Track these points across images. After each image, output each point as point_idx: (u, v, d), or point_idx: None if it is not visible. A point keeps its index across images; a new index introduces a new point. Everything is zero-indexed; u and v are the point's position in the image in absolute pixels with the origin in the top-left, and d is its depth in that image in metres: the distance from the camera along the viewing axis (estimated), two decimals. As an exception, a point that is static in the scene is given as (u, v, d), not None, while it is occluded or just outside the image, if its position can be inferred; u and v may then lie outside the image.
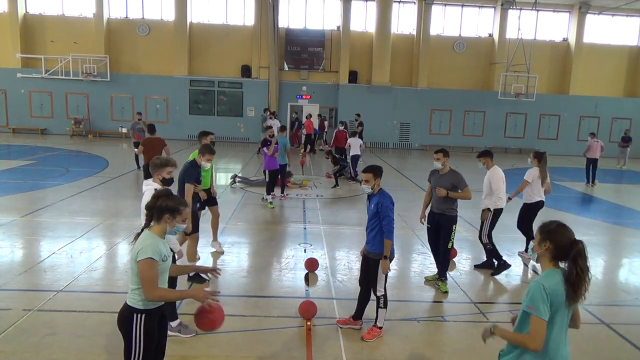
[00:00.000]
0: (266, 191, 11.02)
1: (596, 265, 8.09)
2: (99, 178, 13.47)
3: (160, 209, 3.23)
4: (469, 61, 26.36)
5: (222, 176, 14.94)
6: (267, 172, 10.98)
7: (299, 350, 4.77)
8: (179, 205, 3.28)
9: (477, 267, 7.45)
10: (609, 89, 26.93)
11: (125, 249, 7.70)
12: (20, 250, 7.45)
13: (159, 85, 24.94)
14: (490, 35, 26.51)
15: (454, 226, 6.35)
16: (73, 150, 19.53)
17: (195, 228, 6.27)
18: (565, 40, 26.71)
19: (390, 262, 5.04)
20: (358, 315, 5.31)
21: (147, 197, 4.69)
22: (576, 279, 2.75)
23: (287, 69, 25.85)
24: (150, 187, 4.73)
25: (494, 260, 7.23)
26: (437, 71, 26.07)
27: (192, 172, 6.09)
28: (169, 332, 4.93)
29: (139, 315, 3.20)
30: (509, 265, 7.23)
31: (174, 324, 4.93)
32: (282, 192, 11.85)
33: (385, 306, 5.08)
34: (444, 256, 6.49)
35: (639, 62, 26.91)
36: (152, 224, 3.28)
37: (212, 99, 25.38)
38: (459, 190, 6.24)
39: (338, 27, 25.70)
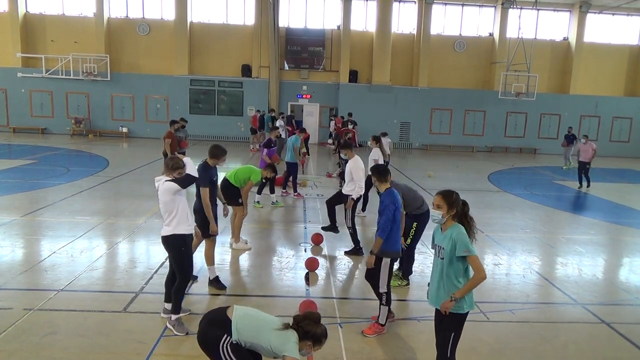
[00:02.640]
0: (270, 191, 11.03)
1: (596, 264, 8.09)
2: (99, 177, 13.47)
3: (306, 334, 3.30)
4: (469, 60, 26.35)
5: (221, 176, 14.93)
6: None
7: (300, 350, 4.77)
8: (323, 338, 3.36)
9: (347, 253, 7.83)
10: (610, 88, 26.92)
11: (126, 248, 7.71)
12: (20, 249, 7.46)
13: (160, 84, 24.95)
14: (491, 34, 26.50)
15: (415, 224, 6.38)
16: (73, 149, 19.53)
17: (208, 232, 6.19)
18: (565, 39, 26.69)
19: (395, 261, 5.09)
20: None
21: (162, 187, 4.75)
22: (470, 226, 3.73)
23: (287, 68, 25.85)
24: (162, 179, 4.84)
25: (353, 244, 7.77)
26: (437, 70, 26.07)
27: (205, 175, 5.85)
28: (167, 324, 4.98)
29: (228, 338, 3.34)
30: (362, 254, 7.66)
31: (174, 316, 4.97)
32: (295, 191, 12.08)
33: (387, 304, 5.12)
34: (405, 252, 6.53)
35: (639, 61, 26.89)
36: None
37: (213, 98, 25.39)
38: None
39: (338, 27, 25.70)
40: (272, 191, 11.07)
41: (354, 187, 7.79)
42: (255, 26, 25.03)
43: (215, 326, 3.40)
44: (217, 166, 6.13)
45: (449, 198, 3.73)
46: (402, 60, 26.01)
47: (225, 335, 3.31)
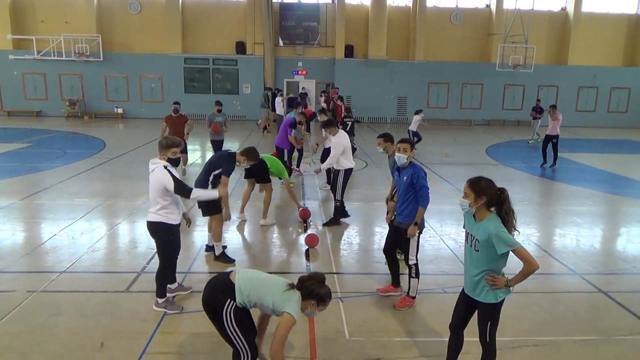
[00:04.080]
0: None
1: (594, 235, 8.16)
2: (96, 159, 13.42)
3: (310, 293, 3.33)
4: (466, 33, 26.04)
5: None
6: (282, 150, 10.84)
7: (302, 324, 4.82)
8: (327, 298, 3.38)
9: (325, 225, 8.07)
10: (608, 58, 26.70)
11: (126, 229, 7.73)
12: (21, 232, 7.48)
13: (153, 64, 24.64)
14: (488, 5, 26.12)
15: None
16: (69, 132, 19.41)
17: (220, 209, 6.25)
18: (563, 9, 26.34)
19: (421, 232, 5.17)
20: (396, 282, 5.51)
21: (156, 174, 4.70)
22: (507, 218, 3.38)
23: (282, 44, 25.53)
24: (158, 165, 4.76)
25: (340, 218, 8.10)
26: (434, 44, 25.77)
27: (231, 166, 6.19)
28: (153, 307, 5.00)
29: (231, 302, 3.37)
30: (339, 224, 8.06)
31: (160, 300, 5.00)
32: (297, 166, 12.01)
33: (417, 276, 5.19)
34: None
35: (638, 30, 26.61)
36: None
37: (208, 76, 25.13)
38: None
39: (333, 0, 25.27)
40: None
41: (343, 161, 7.94)
42: (249, 2, 24.61)
43: (218, 290, 3.42)
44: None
45: (476, 185, 3.39)
46: (398, 33, 25.68)
47: (229, 300, 3.34)
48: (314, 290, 3.33)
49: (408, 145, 5.09)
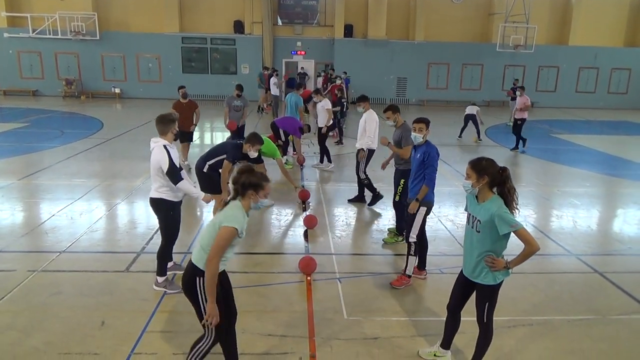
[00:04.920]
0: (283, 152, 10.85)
1: (591, 216, 8.21)
2: (94, 140, 13.37)
3: (243, 185, 3.28)
4: (466, 12, 25.68)
5: (220, 135, 14.85)
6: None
7: (300, 304, 4.89)
8: (261, 181, 3.31)
9: (350, 201, 8.34)
10: (609, 39, 26.39)
11: (125, 210, 7.75)
12: (20, 212, 7.49)
13: (150, 43, 24.33)
14: (489, -16, 25.72)
15: (403, 181, 6.29)
16: (66, 112, 19.27)
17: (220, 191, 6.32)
18: (565, -12, 25.97)
19: (428, 213, 5.24)
20: (422, 265, 5.54)
21: (155, 153, 4.70)
22: (510, 197, 3.39)
23: (280, 23, 25.20)
24: (159, 144, 4.75)
25: (371, 193, 8.11)
26: (434, 23, 25.44)
27: (236, 154, 6.30)
28: (153, 287, 5.05)
29: (201, 278, 3.24)
30: (382, 196, 8.12)
31: (160, 279, 5.06)
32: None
33: (415, 254, 5.26)
34: (395, 210, 6.75)
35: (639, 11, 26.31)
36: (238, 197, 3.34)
37: (206, 56, 24.85)
38: (401, 147, 6.24)
39: (332, -21, 24.88)
40: (285, 152, 10.95)
41: (364, 140, 7.87)
42: (247, -21, 24.20)
43: (187, 272, 3.37)
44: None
45: (478, 166, 3.39)
46: (398, 13, 25.34)
47: (197, 278, 3.27)
48: (244, 182, 3.29)
49: (424, 124, 5.18)
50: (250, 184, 3.27)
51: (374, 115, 7.92)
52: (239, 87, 10.86)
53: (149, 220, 7.21)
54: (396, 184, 6.41)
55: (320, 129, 10.98)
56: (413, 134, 5.19)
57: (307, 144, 13.50)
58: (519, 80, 22.32)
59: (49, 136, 13.77)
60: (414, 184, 5.21)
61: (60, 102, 22.04)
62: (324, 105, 11.01)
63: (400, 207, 6.48)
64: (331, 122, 11.20)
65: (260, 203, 3.36)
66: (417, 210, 5.16)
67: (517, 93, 13.99)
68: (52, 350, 4.00)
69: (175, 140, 4.94)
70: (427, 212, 5.25)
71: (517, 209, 3.42)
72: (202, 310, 3.30)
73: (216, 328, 3.33)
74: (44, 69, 24.16)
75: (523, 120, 13.30)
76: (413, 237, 5.22)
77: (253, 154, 6.41)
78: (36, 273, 5.35)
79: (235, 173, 3.45)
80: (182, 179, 4.81)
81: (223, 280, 3.47)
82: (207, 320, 3.24)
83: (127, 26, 24.49)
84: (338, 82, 16.74)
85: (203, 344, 3.41)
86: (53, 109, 19.78)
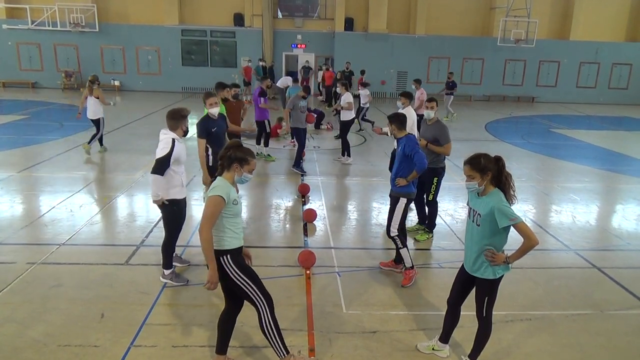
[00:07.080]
0: (256, 142, 10.95)
1: (590, 211, 8.21)
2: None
3: (230, 159, 3.41)
4: (468, 6, 25.58)
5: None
6: (262, 122, 10.81)
7: (299, 298, 4.91)
8: (247, 155, 3.44)
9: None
10: (611, 33, 26.30)
11: (124, 203, 7.75)
12: (20, 205, 7.49)
13: (150, 35, 24.23)
14: (491, -22, 25.60)
15: (435, 179, 6.31)
16: (66, 104, 19.20)
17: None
18: (567, -18, 25.84)
19: (409, 204, 5.27)
20: (399, 260, 5.51)
21: (161, 143, 4.71)
22: (507, 183, 3.43)
23: (281, 16, 25.09)
24: (167, 136, 4.73)
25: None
26: (435, 17, 25.34)
27: (203, 127, 6.23)
28: (160, 279, 5.06)
29: (225, 257, 3.39)
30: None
31: (167, 272, 5.07)
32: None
33: (404, 245, 5.23)
34: (428, 208, 6.63)
35: (642, 5, 26.17)
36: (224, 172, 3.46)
37: (205, 49, 24.75)
38: (441, 145, 6.22)
39: (333, -29, 24.74)
40: (266, 144, 11.00)
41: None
42: (247, -29, 24.06)
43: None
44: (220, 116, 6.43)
45: (478, 165, 3.37)
46: (399, 6, 25.22)
47: (220, 258, 3.38)
48: (230, 155, 3.40)
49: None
50: (236, 158, 3.40)
51: (412, 112, 7.84)
52: (307, 90, 10.12)
53: (149, 213, 7.22)
54: (429, 183, 6.33)
55: (344, 122, 11.03)
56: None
57: (308, 138, 13.46)
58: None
59: (49, 128, 13.75)
60: (398, 176, 5.18)
61: (59, 94, 21.98)
62: (346, 99, 10.98)
63: (434, 205, 6.50)
64: (353, 115, 11.24)
65: (245, 177, 3.47)
66: (398, 204, 5.18)
67: (413, 87, 13.66)
68: (52, 342, 4.01)
69: (184, 136, 4.90)
70: (408, 203, 5.25)
71: (514, 196, 3.45)
72: (242, 285, 3.42)
73: (259, 289, 3.49)
74: (43, 61, 24.07)
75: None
76: (394, 231, 5.20)
77: (212, 110, 6.24)
78: (36, 265, 5.36)
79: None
80: (161, 175, 4.67)
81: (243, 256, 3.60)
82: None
83: (126, 18, 24.37)
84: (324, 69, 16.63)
85: (264, 314, 3.51)
86: (52, 101, 19.73)
